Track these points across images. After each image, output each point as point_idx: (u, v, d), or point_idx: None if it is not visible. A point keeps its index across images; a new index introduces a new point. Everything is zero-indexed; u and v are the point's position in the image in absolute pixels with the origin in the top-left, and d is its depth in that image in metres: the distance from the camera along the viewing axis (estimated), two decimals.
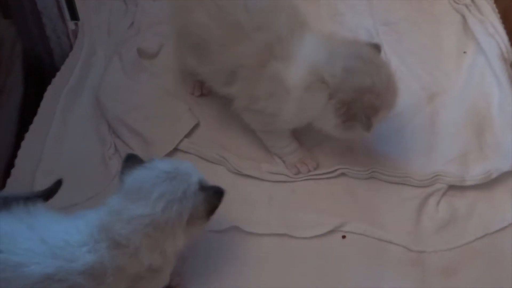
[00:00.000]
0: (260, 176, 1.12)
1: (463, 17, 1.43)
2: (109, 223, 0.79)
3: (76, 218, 0.80)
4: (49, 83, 1.25)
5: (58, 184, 0.89)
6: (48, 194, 0.87)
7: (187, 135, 1.17)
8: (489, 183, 1.10)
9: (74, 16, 1.35)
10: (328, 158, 1.14)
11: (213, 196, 0.85)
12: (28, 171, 1.09)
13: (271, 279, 0.98)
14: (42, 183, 1.06)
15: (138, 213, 0.79)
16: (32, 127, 1.17)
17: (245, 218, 1.05)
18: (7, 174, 1.09)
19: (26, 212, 0.78)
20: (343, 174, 1.12)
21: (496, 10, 1.43)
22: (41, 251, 0.73)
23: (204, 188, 0.85)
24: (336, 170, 1.12)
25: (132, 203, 0.80)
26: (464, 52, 1.36)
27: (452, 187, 1.10)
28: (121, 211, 0.80)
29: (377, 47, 1.06)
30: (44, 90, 1.23)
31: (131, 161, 0.86)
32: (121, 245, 0.78)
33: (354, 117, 0.98)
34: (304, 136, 1.16)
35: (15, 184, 1.07)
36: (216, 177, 1.10)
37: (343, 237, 1.04)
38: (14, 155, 1.12)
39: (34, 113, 1.19)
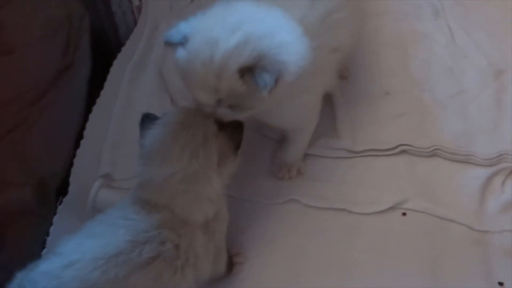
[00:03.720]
0: (318, 153, 1.12)
1: None
2: (147, 196, 0.80)
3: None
4: (114, 58, 1.29)
5: None
6: None
7: None
8: None
9: None
10: (389, 135, 1.12)
11: (234, 132, 0.84)
12: (96, 143, 1.14)
13: (329, 253, 0.99)
14: (109, 154, 1.11)
15: (167, 174, 0.78)
16: (99, 101, 1.21)
17: (303, 191, 1.06)
18: (77, 145, 1.14)
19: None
20: (404, 152, 1.11)
21: None
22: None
23: (222, 127, 0.83)
24: (397, 147, 1.10)
25: (159, 167, 0.79)
26: None
27: None
28: (152, 179, 0.80)
29: None
30: (110, 64, 1.27)
31: (146, 122, 0.84)
32: (168, 209, 0.79)
33: None
34: (362, 113, 1.16)
35: (84, 155, 1.12)
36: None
37: (404, 214, 1.03)
38: (83, 127, 1.17)
39: (101, 87, 1.23)
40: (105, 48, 1.30)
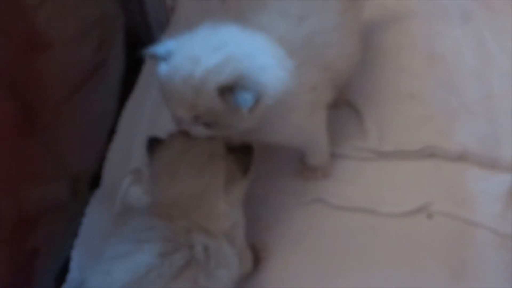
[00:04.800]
0: (345, 153, 1.13)
1: None
2: (163, 212, 0.80)
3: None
4: None
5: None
6: None
7: None
8: None
9: None
10: (415, 138, 1.13)
11: (243, 155, 0.83)
12: (128, 138, 1.17)
13: (353, 253, 1.00)
14: (140, 149, 1.12)
15: (175, 193, 0.79)
16: (131, 97, 1.25)
17: (329, 191, 1.08)
18: (110, 139, 1.17)
19: None
20: (430, 154, 1.11)
21: None
22: None
23: (231, 149, 0.83)
24: (424, 149, 1.11)
25: (167, 186, 0.80)
26: None
27: None
28: (162, 199, 0.81)
29: None
30: (143, 62, 1.29)
31: (153, 145, 0.86)
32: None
33: None
34: (389, 115, 1.17)
35: (116, 149, 1.16)
36: None
37: (429, 216, 1.04)
38: (116, 122, 1.20)
39: (134, 84, 1.26)
40: (138, 47, 1.32)
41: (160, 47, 0.83)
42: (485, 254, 0.98)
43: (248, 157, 0.84)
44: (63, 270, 0.99)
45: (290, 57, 0.86)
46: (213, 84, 0.77)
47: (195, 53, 0.79)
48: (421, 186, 1.07)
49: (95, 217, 1.05)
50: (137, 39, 1.32)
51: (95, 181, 1.11)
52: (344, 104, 1.19)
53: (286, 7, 0.93)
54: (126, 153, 1.14)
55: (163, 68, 0.82)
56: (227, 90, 0.78)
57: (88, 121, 1.13)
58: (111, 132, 1.19)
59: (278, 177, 1.10)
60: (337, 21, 0.96)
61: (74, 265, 0.98)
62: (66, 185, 1.05)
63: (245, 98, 0.77)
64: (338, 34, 0.96)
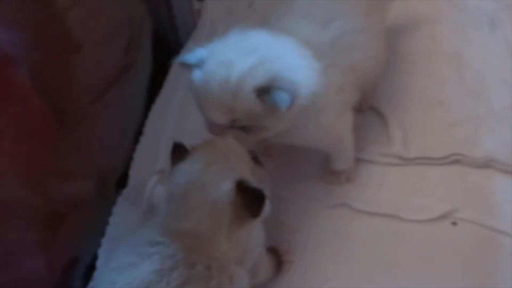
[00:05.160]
0: (370, 158, 1.13)
1: None
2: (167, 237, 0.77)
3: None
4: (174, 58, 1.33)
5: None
6: None
7: None
8: None
9: None
10: (442, 144, 1.12)
11: (252, 202, 0.76)
12: (155, 139, 1.18)
13: (376, 258, 1.00)
14: (166, 151, 1.15)
15: (176, 227, 0.76)
16: (158, 99, 1.26)
17: (353, 196, 1.08)
18: (136, 140, 1.19)
19: None
20: (456, 161, 1.10)
21: None
22: None
23: (242, 189, 0.76)
24: (450, 156, 1.10)
25: (172, 214, 0.77)
26: None
27: None
28: (165, 224, 0.78)
29: None
30: (170, 65, 1.30)
31: (177, 153, 0.82)
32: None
33: None
34: (415, 120, 1.16)
35: (143, 150, 1.18)
36: None
37: (454, 223, 1.03)
38: (142, 124, 1.22)
39: (161, 86, 1.28)
40: (164, 49, 1.34)
41: (191, 55, 0.85)
42: (510, 262, 0.97)
43: (259, 203, 0.77)
44: (90, 268, 1.01)
45: (317, 59, 0.87)
46: (250, 87, 0.79)
47: (229, 57, 0.81)
48: (446, 192, 1.07)
49: (122, 216, 1.07)
50: (164, 41, 1.33)
51: (122, 181, 1.13)
52: (369, 109, 1.19)
53: (312, 11, 0.94)
54: (152, 154, 1.15)
55: (197, 75, 0.83)
56: (264, 92, 0.79)
57: (115, 121, 1.15)
58: (138, 133, 1.21)
59: (302, 180, 1.10)
60: (362, 23, 0.97)
61: (100, 264, 0.99)
62: (94, 184, 1.07)
63: (283, 98, 0.79)
64: (364, 36, 0.97)
